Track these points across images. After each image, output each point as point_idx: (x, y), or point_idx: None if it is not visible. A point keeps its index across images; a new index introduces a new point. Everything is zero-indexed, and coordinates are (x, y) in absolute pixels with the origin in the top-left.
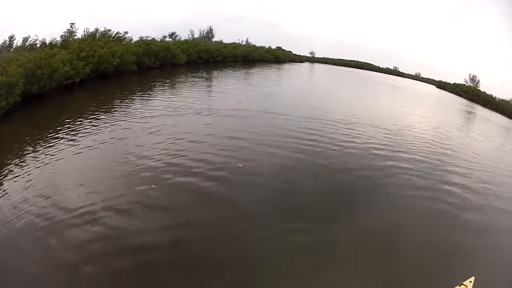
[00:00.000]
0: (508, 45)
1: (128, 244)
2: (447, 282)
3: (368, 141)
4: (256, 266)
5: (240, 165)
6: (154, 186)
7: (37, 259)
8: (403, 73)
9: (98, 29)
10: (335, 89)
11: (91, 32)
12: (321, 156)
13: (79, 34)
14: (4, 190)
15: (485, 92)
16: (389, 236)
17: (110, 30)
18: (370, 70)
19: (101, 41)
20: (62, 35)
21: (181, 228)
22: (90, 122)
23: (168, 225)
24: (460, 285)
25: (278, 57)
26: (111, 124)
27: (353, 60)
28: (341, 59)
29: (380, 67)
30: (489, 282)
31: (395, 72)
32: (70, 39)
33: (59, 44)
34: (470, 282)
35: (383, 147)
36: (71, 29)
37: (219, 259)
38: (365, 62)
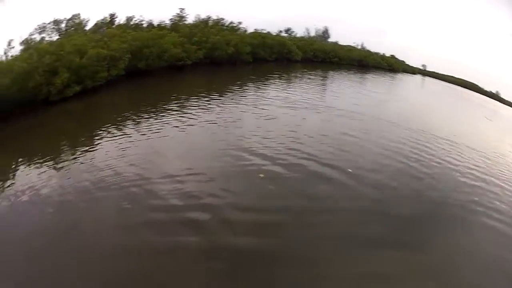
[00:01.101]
0: None
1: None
2: None
3: (469, 169)
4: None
5: (350, 170)
6: (261, 176)
7: (116, 226)
8: (504, 99)
9: (210, 17)
10: (445, 106)
11: (203, 19)
12: (417, 178)
13: (189, 19)
14: (94, 157)
15: None
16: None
17: (223, 19)
18: (474, 91)
19: (214, 28)
20: (171, 19)
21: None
22: (197, 104)
23: (251, 232)
24: None
25: (392, 65)
26: (220, 107)
27: (460, 79)
28: (449, 76)
29: (484, 89)
30: None
31: (495, 97)
32: (180, 23)
33: (168, 27)
34: None
35: (480, 178)
36: (181, 13)
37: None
38: (470, 82)
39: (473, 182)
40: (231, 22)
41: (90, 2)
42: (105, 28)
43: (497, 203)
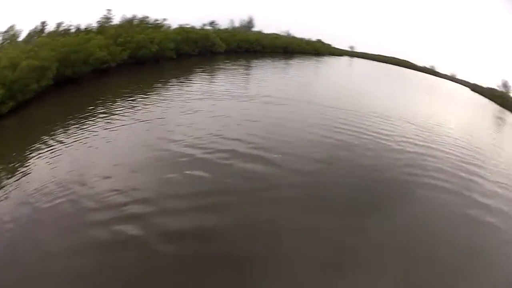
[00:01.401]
0: None
1: (154, 228)
2: None
3: (404, 139)
4: (278, 259)
5: (276, 156)
6: (186, 173)
7: (59, 238)
8: (439, 72)
9: (136, 16)
10: (372, 84)
11: (128, 19)
12: (355, 154)
13: (116, 20)
14: (34, 170)
15: None
16: (420, 243)
17: (148, 17)
18: (408, 68)
19: (139, 27)
20: (98, 21)
21: (209, 214)
22: (125, 104)
23: (194, 209)
24: None
25: (318, 49)
26: (147, 107)
27: (392, 57)
28: (381, 55)
29: (418, 65)
30: None
31: (431, 71)
32: (107, 25)
33: (95, 30)
34: None
35: (418, 145)
36: (107, 15)
37: (243, 246)
38: (402, 60)
39: (411, 150)
40: (156, 20)
41: (25, 11)
42: (36, 37)
43: (438, 165)
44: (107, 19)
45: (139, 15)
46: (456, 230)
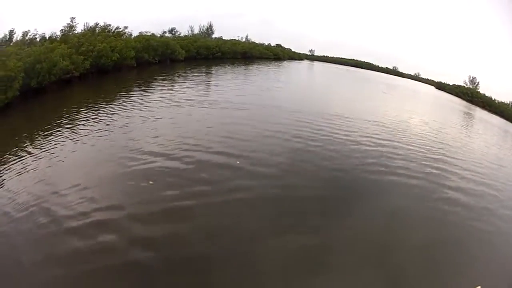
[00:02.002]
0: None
1: (119, 241)
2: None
3: (366, 137)
4: (246, 268)
5: (238, 162)
6: (150, 183)
7: (37, 246)
8: (402, 73)
9: (98, 24)
10: (332, 86)
11: (91, 27)
12: (318, 155)
13: (79, 28)
14: (3, 181)
15: (484, 94)
16: (388, 240)
17: (110, 25)
18: (370, 70)
19: (100, 36)
20: (62, 30)
21: (172, 226)
22: (89, 115)
23: (159, 222)
24: None
25: (277, 54)
26: (109, 117)
27: (353, 59)
28: (341, 58)
29: (380, 66)
30: None
31: (394, 72)
32: (70, 33)
33: (59, 39)
34: None
35: (381, 144)
36: (71, 23)
37: (208, 259)
38: (364, 61)
39: (375, 148)
40: (117, 27)
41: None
42: (5, 46)
43: (404, 161)
44: (71, 27)
45: (101, 23)
46: (426, 221)
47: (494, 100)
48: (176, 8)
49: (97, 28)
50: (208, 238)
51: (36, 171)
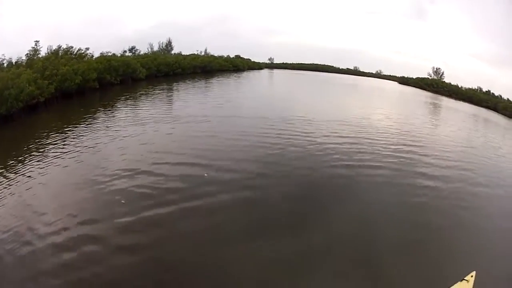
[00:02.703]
0: (472, 36)
1: (100, 251)
2: (446, 279)
3: (330, 137)
4: (221, 275)
5: (206, 174)
6: (122, 202)
7: (27, 262)
8: (364, 72)
9: (61, 46)
10: (291, 92)
11: (54, 50)
12: (285, 157)
13: (43, 51)
14: None
15: (450, 83)
16: (372, 235)
17: (72, 47)
18: (330, 72)
19: (63, 58)
20: (27, 54)
21: (147, 236)
22: (58, 139)
23: (129, 242)
24: (461, 281)
25: (237, 65)
26: (79, 139)
27: (312, 64)
28: (300, 63)
29: (340, 68)
30: (490, 275)
31: (355, 72)
32: (35, 57)
33: (24, 63)
34: (472, 276)
35: (348, 143)
36: (35, 47)
37: (178, 280)
38: (324, 65)
39: (344, 147)
40: (79, 49)
41: None
42: None
43: (374, 156)
44: (35, 51)
45: (64, 45)
46: (405, 213)
47: (461, 87)
48: (135, 24)
49: (60, 51)
50: (182, 247)
51: (14, 195)
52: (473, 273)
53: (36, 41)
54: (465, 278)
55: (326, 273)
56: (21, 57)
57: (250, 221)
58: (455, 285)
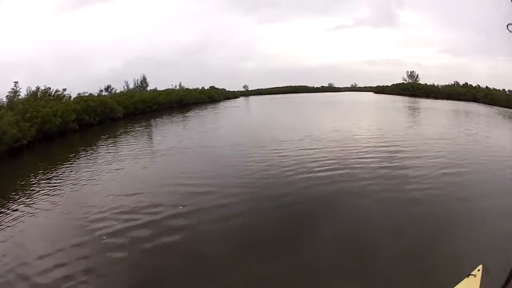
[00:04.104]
0: (442, 31)
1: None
2: (451, 276)
3: (319, 155)
4: None
5: (181, 207)
6: (104, 238)
7: None
8: (339, 87)
9: (39, 88)
10: (271, 116)
11: (33, 91)
12: (269, 181)
13: (22, 93)
14: None
15: (426, 84)
16: (370, 242)
17: (50, 88)
18: (306, 92)
19: (42, 100)
20: (7, 96)
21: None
22: (42, 181)
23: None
24: (468, 276)
25: (212, 96)
26: (63, 181)
27: (287, 86)
28: (275, 87)
29: (315, 86)
30: (498, 266)
31: (331, 89)
32: (15, 99)
33: (5, 105)
34: (478, 270)
35: (330, 159)
36: (15, 88)
37: None
38: (299, 86)
39: (330, 162)
40: (57, 90)
41: None
42: None
43: (361, 166)
44: (15, 92)
45: (42, 86)
46: (396, 214)
47: (437, 85)
48: (108, 63)
49: (38, 93)
50: (178, 273)
51: (3, 242)
52: (480, 267)
53: (15, 82)
54: (472, 273)
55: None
56: (1, 99)
57: (242, 244)
58: (462, 281)
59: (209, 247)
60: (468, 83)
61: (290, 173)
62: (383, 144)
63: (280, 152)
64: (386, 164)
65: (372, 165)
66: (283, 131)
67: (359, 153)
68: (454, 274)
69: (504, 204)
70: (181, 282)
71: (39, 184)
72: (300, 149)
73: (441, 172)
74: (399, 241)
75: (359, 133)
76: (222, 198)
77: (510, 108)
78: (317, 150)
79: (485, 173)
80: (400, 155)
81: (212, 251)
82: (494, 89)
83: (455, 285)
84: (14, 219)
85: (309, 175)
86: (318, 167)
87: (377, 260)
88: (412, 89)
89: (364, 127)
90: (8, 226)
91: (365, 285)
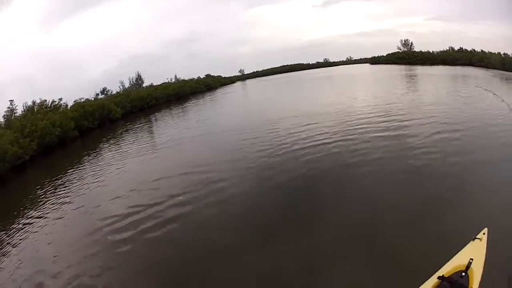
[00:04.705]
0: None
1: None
2: (457, 241)
3: (315, 134)
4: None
5: (181, 197)
6: (108, 238)
7: None
8: (335, 62)
9: (35, 102)
10: (269, 97)
11: (29, 106)
12: (272, 163)
13: (19, 110)
14: None
15: (421, 51)
16: (376, 216)
17: (45, 100)
18: (302, 70)
19: (39, 113)
20: (4, 115)
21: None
22: (49, 193)
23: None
24: (474, 240)
25: (209, 84)
26: (67, 192)
27: (283, 66)
28: (270, 68)
29: (311, 63)
30: (504, 228)
31: (326, 64)
32: (12, 117)
33: (3, 125)
34: (484, 234)
35: (331, 136)
36: (11, 106)
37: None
38: (294, 64)
39: (333, 138)
40: (53, 101)
41: None
42: None
43: (363, 140)
44: (12, 110)
45: (38, 99)
46: (399, 185)
47: (433, 52)
48: (102, 65)
49: (35, 107)
50: (190, 260)
51: (16, 255)
52: (485, 230)
53: (11, 100)
54: (477, 237)
55: (345, 263)
56: None
57: (252, 227)
58: (468, 245)
59: (218, 234)
60: (463, 48)
61: (292, 152)
62: (383, 115)
63: (278, 132)
64: (389, 136)
65: (374, 138)
66: (279, 112)
67: (361, 127)
68: (459, 238)
69: (509, 167)
70: (192, 272)
71: (46, 196)
72: (299, 126)
73: (447, 137)
74: (401, 208)
75: (358, 107)
76: (231, 184)
77: (506, 70)
78: (316, 125)
79: (490, 139)
80: (404, 124)
81: (220, 238)
82: (490, 53)
83: (460, 250)
84: (26, 232)
85: (310, 152)
86: (313, 141)
87: (383, 235)
88: (407, 57)
89: (364, 100)
90: (20, 240)
91: (369, 253)
